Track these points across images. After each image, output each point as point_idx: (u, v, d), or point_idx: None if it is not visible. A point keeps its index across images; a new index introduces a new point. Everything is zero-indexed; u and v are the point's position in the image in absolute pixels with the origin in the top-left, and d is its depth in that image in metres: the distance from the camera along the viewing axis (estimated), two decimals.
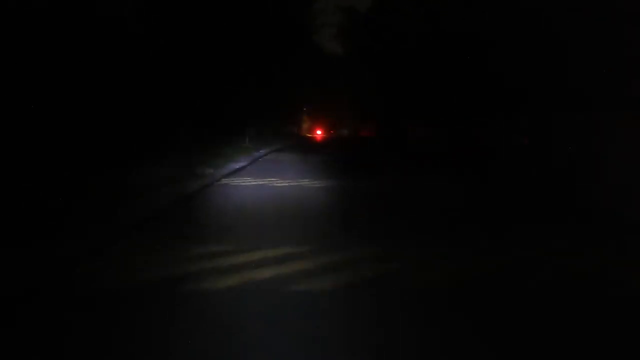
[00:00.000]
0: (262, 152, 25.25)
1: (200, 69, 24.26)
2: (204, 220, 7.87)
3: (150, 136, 19.47)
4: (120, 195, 9.44)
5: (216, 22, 25.18)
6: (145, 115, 18.92)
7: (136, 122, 18.09)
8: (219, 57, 25.94)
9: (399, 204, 10.13)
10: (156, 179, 12.48)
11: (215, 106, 27.20)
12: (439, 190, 12.54)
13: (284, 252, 5.88)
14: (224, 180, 13.58)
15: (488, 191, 12.72)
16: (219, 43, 25.77)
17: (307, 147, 34.30)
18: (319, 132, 70.19)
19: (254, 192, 11.37)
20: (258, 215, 8.39)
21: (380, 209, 9.49)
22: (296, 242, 6.37)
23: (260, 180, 13.43)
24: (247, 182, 13.10)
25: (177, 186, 11.64)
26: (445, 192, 12.33)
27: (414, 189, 12.61)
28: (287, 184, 12.73)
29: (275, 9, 33.49)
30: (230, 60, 27.24)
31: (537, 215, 9.31)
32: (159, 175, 13.18)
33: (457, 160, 21.86)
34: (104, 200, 8.54)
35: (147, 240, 6.42)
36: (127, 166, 14.18)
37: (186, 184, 12.13)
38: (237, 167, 17.10)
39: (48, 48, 14.02)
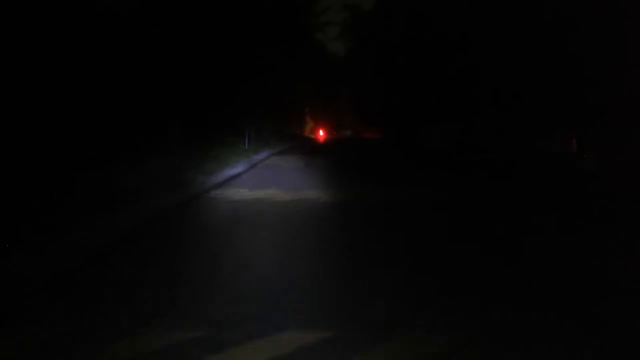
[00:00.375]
0: (262, 155, 22.72)
1: (197, 63, 21.79)
2: (164, 269, 5.28)
3: (133, 134, 16.94)
4: (67, 216, 6.91)
5: (214, 12, 22.71)
6: (126, 110, 16.39)
7: (114, 117, 15.54)
8: (218, 52, 23.44)
9: (440, 237, 7.54)
10: (130, 189, 9.99)
11: (213, 104, 24.71)
12: (497, 215, 9.37)
13: (281, 348, 3.34)
14: (213, 192, 11.04)
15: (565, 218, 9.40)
16: (218, 36, 23.26)
17: (311, 149, 31.68)
18: (321, 133, 67.64)
19: (247, 211, 8.80)
20: (246, 258, 5.81)
21: (418, 243, 6.90)
22: (305, 320, 3.83)
23: (257, 192, 10.87)
24: (240, 195, 10.54)
25: (151, 200, 9.10)
26: (508, 217, 9.48)
27: (455, 211, 9.93)
28: (289, 198, 10.17)
29: (278, 3, 31.15)
30: (229, 56, 24.74)
31: None
32: (135, 184, 10.66)
33: (497, 169, 18.33)
34: (31, 227, 6.01)
35: (32, 324, 3.74)
36: (98, 169, 11.64)
37: (165, 196, 9.60)
38: (232, 173, 14.57)
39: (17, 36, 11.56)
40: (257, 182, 13.06)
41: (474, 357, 3.35)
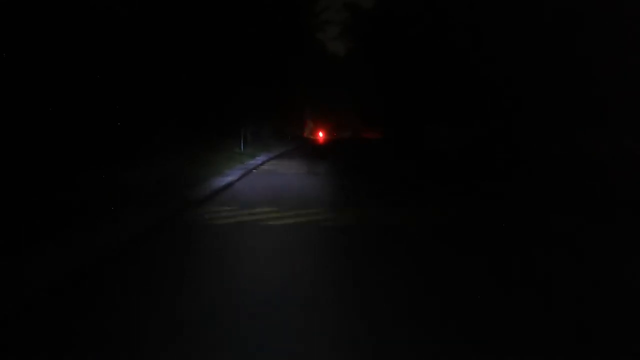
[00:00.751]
0: (258, 159, 20.48)
1: (196, 63, 19.68)
2: None
3: (124, 137, 14.72)
4: None
5: (214, 12, 20.59)
6: (119, 111, 14.20)
7: (104, 119, 13.39)
8: (217, 52, 21.26)
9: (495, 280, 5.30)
10: (94, 205, 7.80)
11: (211, 105, 22.49)
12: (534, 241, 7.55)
13: None
14: (193, 211, 8.75)
15: None
16: (218, 36, 21.11)
17: (312, 152, 29.11)
18: (320, 134, 65.35)
19: (230, 248, 6.53)
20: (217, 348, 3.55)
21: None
22: None
23: (247, 214, 8.57)
24: (226, 217, 8.24)
25: (112, 225, 6.86)
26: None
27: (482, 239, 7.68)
28: (289, 223, 7.90)
29: (278, 3, 29.20)
30: (229, 56, 22.55)
31: None
32: (104, 198, 8.47)
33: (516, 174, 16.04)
34: None
35: None
36: (76, 176, 9.47)
37: (130, 220, 7.35)
38: (222, 184, 12.29)
39: None
40: (250, 195, 10.78)
41: None
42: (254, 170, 16.44)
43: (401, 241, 6.94)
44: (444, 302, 4.51)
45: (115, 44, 13.79)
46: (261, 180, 14.06)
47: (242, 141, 24.18)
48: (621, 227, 7.76)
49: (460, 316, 4.14)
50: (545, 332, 3.84)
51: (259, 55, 26.29)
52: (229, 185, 12.45)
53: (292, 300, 4.43)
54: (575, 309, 4.33)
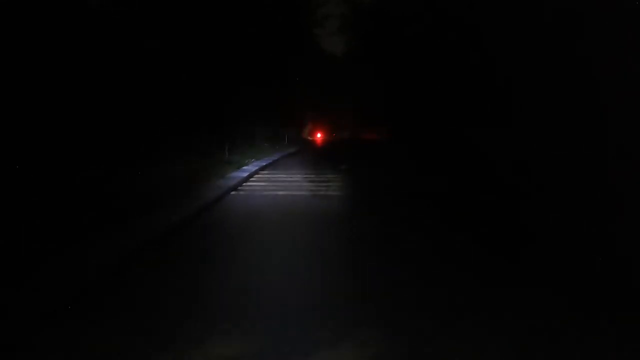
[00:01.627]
0: (245, 170, 14.76)
1: (194, 63, 16.02)
2: None
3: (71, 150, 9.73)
4: None
5: (214, 10, 17.33)
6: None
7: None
8: (215, 52, 17.53)
9: None
10: None
11: (207, 105, 17.45)
12: None
13: None
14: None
15: None
16: (216, 35, 17.49)
17: (313, 157, 23.23)
18: (319, 134, 59.85)
19: None
20: None
21: None
22: None
23: None
24: None
25: None
26: None
27: None
28: None
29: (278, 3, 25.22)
30: (228, 56, 18.58)
31: None
32: None
33: None
34: None
35: None
36: None
37: None
38: (165, 227, 6.65)
39: None
40: (205, 271, 5.11)
41: None
42: (233, 192, 10.70)
43: None
44: None
45: (114, 43, 11.42)
46: (240, 215, 8.29)
47: (226, 147, 18.48)
48: None
49: None
50: None
51: (258, 55, 22.37)
52: (174, 230, 6.75)
53: None
54: None
